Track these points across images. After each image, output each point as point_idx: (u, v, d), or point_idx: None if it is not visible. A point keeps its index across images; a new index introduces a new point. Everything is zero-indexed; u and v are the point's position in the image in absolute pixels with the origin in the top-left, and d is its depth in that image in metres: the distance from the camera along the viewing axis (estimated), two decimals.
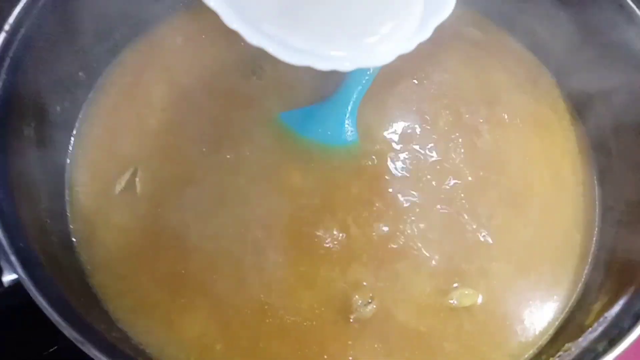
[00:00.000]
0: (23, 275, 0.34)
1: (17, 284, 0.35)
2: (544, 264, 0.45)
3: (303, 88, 0.50)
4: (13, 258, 0.35)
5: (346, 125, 0.48)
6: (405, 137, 0.49)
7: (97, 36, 0.49)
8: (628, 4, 0.46)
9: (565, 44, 0.51)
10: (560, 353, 0.39)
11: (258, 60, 0.50)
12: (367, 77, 0.47)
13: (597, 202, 0.48)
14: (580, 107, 0.52)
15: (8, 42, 0.40)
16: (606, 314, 0.39)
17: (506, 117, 0.50)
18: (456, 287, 0.43)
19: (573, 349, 0.38)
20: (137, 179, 0.46)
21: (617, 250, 0.45)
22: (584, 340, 0.38)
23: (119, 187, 0.46)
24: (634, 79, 0.46)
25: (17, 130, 0.41)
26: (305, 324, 0.42)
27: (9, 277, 0.34)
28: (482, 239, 0.45)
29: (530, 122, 0.51)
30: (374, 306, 0.42)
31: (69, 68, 0.47)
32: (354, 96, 0.47)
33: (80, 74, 0.48)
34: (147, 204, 0.45)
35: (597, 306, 0.41)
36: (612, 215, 0.47)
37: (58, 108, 0.46)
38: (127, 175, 0.46)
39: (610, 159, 0.49)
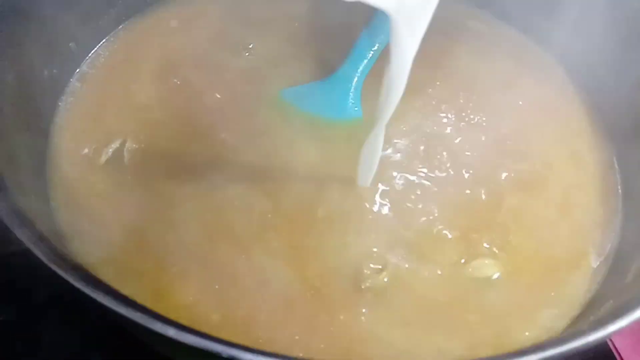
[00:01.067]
0: None
1: None
2: (568, 239, 0.42)
3: (299, 65, 0.49)
4: None
5: (350, 100, 0.46)
6: (417, 117, 0.47)
7: (93, 11, 0.48)
8: None
9: (565, 26, 0.51)
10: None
11: (249, 39, 0.50)
12: (372, 51, 0.46)
13: (618, 177, 0.46)
14: (588, 89, 0.51)
15: None
16: None
17: (519, 101, 0.49)
18: (476, 258, 0.40)
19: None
20: (125, 149, 0.43)
21: None
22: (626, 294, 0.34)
23: (105, 157, 0.42)
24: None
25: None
26: (311, 292, 0.37)
27: None
28: (502, 216, 0.42)
29: (541, 105, 0.50)
30: (386, 275, 0.38)
31: (60, 37, 0.45)
32: (359, 70, 0.46)
33: (71, 44, 0.46)
34: (136, 174, 0.42)
35: (636, 264, 0.38)
36: (637, 187, 0.44)
37: (45, 72, 0.43)
38: (114, 145, 0.43)
39: (626, 137, 0.47)
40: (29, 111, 0.41)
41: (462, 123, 0.47)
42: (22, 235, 0.28)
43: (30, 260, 0.29)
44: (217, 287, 0.37)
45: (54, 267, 0.27)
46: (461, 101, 0.48)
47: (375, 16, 0.46)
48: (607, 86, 0.49)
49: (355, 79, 0.46)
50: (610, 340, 0.45)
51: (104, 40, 0.49)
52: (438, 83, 0.49)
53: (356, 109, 0.46)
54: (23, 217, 0.30)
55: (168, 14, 0.52)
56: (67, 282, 0.27)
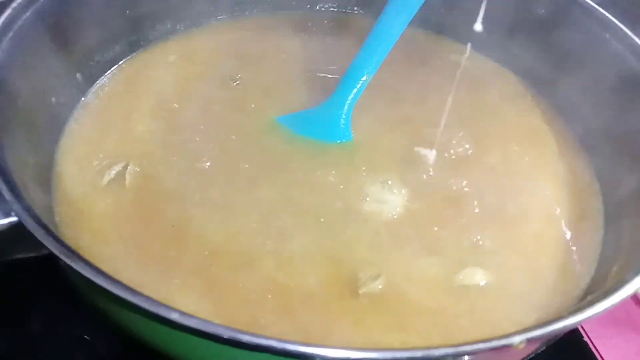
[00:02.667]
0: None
1: None
2: (553, 251, 0.44)
3: (293, 93, 0.52)
4: None
5: (342, 125, 0.49)
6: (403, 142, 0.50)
7: (99, 46, 0.51)
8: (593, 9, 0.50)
9: (539, 57, 0.55)
10: None
11: (241, 71, 0.54)
12: (362, 81, 0.49)
13: (598, 193, 0.48)
14: (566, 114, 0.54)
15: (13, 18, 0.41)
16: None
17: (500, 127, 0.52)
18: (465, 266, 0.41)
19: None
20: (127, 172, 0.45)
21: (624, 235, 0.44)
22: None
23: (107, 178, 0.44)
24: (608, 78, 0.49)
25: (10, 102, 0.40)
26: (309, 298, 0.39)
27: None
28: (490, 228, 0.44)
29: (523, 130, 0.53)
30: (381, 282, 0.39)
31: (68, 68, 0.48)
32: (350, 98, 0.49)
33: (77, 75, 0.49)
34: (136, 195, 0.44)
35: (615, 269, 0.39)
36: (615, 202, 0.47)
37: (53, 99, 0.46)
38: (117, 168, 0.45)
39: (604, 155, 0.50)
40: (37, 133, 0.43)
41: (450, 150, 0.50)
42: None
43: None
44: (217, 296, 0.38)
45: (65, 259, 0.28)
46: (446, 129, 0.51)
47: (364, 47, 0.49)
48: (583, 109, 0.52)
49: (346, 107, 0.49)
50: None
51: (108, 72, 0.52)
52: (422, 112, 0.52)
53: (347, 133, 0.49)
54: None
55: (167, 50, 0.56)
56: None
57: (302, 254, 0.41)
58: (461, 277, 0.41)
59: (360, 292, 0.39)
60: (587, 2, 0.51)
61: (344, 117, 0.49)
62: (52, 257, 0.34)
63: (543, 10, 0.54)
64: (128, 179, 0.45)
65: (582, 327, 0.47)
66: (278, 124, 0.50)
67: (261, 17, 0.61)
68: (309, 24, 0.61)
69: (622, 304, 0.31)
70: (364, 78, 0.49)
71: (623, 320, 0.48)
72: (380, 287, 0.40)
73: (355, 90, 0.49)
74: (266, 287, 0.39)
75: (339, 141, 0.49)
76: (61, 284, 0.36)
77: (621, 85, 0.48)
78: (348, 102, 0.49)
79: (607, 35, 0.50)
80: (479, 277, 0.41)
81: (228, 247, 0.41)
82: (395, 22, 0.48)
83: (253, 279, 0.39)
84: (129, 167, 0.45)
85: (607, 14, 0.50)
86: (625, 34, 0.49)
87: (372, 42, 0.49)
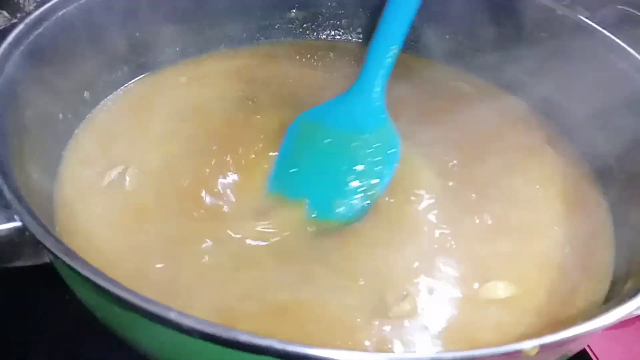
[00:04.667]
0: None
1: None
2: (564, 267, 0.43)
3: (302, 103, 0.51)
4: None
5: (375, 107, 0.45)
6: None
7: (108, 66, 0.52)
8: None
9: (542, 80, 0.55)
10: None
11: (253, 92, 0.54)
12: (390, 54, 0.45)
13: (608, 212, 0.48)
14: (570, 134, 0.54)
15: (25, 34, 0.42)
16: None
17: (504, 150, 0.51)
18: (488, 281, 0.40)
19: None
20: (126, 180, 0.44)
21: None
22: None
23: (107, 179, 0.44)
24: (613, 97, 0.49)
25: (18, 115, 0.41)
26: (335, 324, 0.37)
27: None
28: (504, 248, 0.43)
29: (527, 152, 0.52)
30: (409, 302, 0.38)
31: (76, 86, 0.49)
32: (380, 76, 0.45)
33: (85, 93, 0.50)
34: (135, 198, 0.43)
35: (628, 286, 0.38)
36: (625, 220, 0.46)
37: (61, 116, 0.46)
38: (117, 169, 0.45)
39: (612, 176, 0.49)
40: (43, 145, 0.43)
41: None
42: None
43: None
44: (226, 314, 0.37)
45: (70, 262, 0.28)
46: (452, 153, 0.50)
47: (384, 16, 0.46)
48: (588, 129, 0.52)
49: (378, 86, 0.45)
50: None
51: (116, 91, 0.52)
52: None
53: (382, 116, 0.45)
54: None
55: (178, 72, 0.56)
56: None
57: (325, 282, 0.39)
58: (484, 291, 0.40)
59: (390, 314, 0.37)
60: (591, 24, 0.52)
61: (377, 96, 0.45)
62: (52, 264, 0.34)
63: (546, 34, 0.55)
64: (128, 180, 0.44)
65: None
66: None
67: (269, 45, 0.62)
68: (317, 52, 0.62)
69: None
70: (393, 49, 0.45)
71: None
72: (408, 307, 0.38)
73: (386, 64, 0.45)
74: (281, 306, 0.37)
75: (373, 129, 0.44)
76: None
77: (628, 104, 0.48)
78: (379, 80, 0.45)
79: (612, 56, 0.50)
80: (502, 292, 0.40)
81: (237, 266, 0.39)
82: None
83: (266, 299, 0.37)
84: (128, 170, 0.45)
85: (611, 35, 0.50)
86: (630, 53, 0.49)
87: (394, 9, 0.45)
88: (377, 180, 0.43)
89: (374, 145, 0.45)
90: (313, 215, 0.43)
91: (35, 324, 0.44)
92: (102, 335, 0.35)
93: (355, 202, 0.43)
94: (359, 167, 0.44)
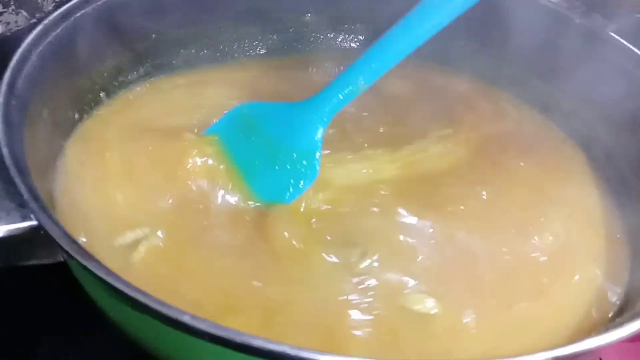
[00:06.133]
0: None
1: None
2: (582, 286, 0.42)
3: None
4: None
5: (316, 132, 0.43)
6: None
7: (125, 66, 0.52)
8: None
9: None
10: None
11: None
12: (356, 85, 0.43)
13: (621, 230, 0.46)
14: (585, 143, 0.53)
15: (43, 34, 0.43)
16: None
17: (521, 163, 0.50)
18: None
19: None
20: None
21: None
22: None
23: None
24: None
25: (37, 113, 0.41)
26: None
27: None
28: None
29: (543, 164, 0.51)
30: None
31: (93, 86, 0.49)
32: (334, 101, 0.43)
33: (102, 94, 0.50)
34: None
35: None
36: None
37: (77, 115, 0.47)
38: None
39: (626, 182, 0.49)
40: (59, 143, 0.44)
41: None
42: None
43: None
44: None
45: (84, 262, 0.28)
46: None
47: (372, 48, 0.43)
48: (604, 141, 0.51)
49: (328, 109, 0.43)
50: None
51: (131, 91, 0.53)
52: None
53: (315, 143, 0.43)
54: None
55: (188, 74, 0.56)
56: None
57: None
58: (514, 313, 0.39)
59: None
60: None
61: (324, 119, 0.43)
62: (66, 263, 0.35)
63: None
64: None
65: None
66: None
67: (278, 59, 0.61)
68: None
69: None
70: (361, 82, 0.42)
71: None
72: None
73: (345, 91, 0.42)
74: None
75: (304, 149, 0.43)
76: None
77: None
78: (332, 103, 0.43)
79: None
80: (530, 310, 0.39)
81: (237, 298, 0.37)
82: (420, 27, 0.42)
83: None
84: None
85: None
86: None
87: (385, 43, 0.42)
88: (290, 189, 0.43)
89: (296, 164, 0.44)
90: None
91: (47, 322, 0.44)
92: (113, 335, 0.35)
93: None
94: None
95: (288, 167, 0.44)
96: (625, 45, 0.50)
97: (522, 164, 0.50)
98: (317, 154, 0.43)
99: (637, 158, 0.48)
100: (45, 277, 0.38)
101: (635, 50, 0.49)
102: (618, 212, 0.48)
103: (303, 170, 0.43)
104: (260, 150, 0.44)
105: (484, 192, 0.47)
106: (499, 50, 0.57)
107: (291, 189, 0.43)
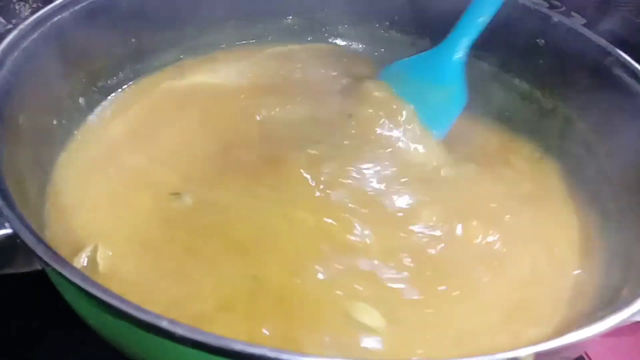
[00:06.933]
0: None
1: None
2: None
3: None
4: None
5: (453, 70, 0.51)
6: None
7: (103, 71, 0.51)
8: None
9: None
10: None
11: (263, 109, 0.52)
12: (480, 22, 0.50)
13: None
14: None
15: (21, 38, 0.42)
16: None
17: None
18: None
19: None
20: None
21: None
22: None
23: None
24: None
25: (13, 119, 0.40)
26: None
27: None
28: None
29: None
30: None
31: (71, 92, 0.48)
32: (466, 40, 0.50)
33: (80, 99, 0.49)
34: None
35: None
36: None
37: (55, 122, 0.46)
38: None
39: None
40: (36, 151, 0.43)
41: None
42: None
43: None
44: None
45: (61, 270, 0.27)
46: None
47: None
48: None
49: (462, 49, 0.50)
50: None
51: (111, 96, 0.52)
52: None
53: (458, 79, 0.50)
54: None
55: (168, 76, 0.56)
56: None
57: None
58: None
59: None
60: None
61: (459, 57, 0.50)
62: (44, 271, 0.34)
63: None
64: None
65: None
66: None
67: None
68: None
69: None
70: (482, 19, 0.49)
71: None
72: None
73: (474, 31, 0.49)
74: None
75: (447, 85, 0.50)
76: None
77: None
78: (465, 42, 0.50)
79: None
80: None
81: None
82: None
83: None
84: None
85: None
86: None
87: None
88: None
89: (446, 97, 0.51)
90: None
91: (28, 330, 0.43)
92: (95, 343, 0.35)
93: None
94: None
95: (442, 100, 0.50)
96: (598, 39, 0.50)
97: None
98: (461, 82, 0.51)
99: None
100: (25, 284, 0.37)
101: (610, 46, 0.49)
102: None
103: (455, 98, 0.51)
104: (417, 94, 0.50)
105: None
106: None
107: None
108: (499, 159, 0.51)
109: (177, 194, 0.43)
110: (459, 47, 0.50)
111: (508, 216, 0.45)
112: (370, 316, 0.36)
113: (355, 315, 0.36)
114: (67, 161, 0.46)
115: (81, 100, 0.49)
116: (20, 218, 0.30)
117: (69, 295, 0.32)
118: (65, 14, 0.46)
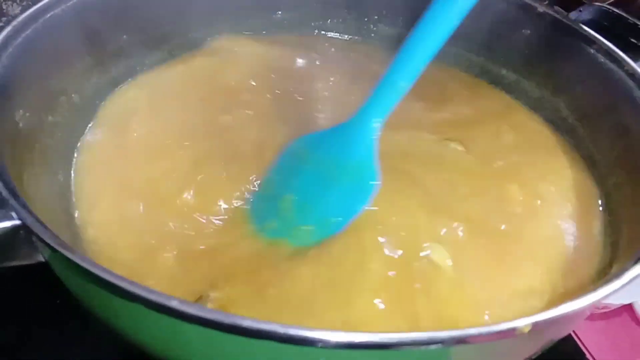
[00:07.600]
0: None
1: None
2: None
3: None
4: None
5: (365, 145, 0.42)
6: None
7: (97, 68, 0.52)
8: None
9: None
10: None
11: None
12: (398, 91, 0.41)
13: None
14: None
15: (14, 34, 0.42)
16: None
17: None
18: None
19: None
20: None
21: None
22: None
23: None
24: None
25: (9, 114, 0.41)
26: None
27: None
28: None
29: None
30: None
31: (66, 87, 0.48)
32: (381, 111, 0.42)
33: (74, 96, 0.49)
34: None
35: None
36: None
37: (50, 118, 0.46)
38: None
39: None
40: (33, 144, 0.43)
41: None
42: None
43: None
44: None
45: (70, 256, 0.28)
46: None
47: (402, 50, 0.41)
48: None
49: (376, 122, 0.41)
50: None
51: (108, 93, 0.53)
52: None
53: (369, 154, 0.41)
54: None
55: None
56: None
57: None
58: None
59: None
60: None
61: (372, 130, 0.41)
62: (47, 262, 0.34)
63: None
64: None
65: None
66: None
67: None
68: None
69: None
70: (402, 85, 0.40)
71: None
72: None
73: (390, 101, 0.41)
74: None
75: (357, 160, 0.42)
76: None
77: None
78: (380, 114, 0.41)
79: None
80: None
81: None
82: (444, 21, 0.39)
83: None
84: None
85: None
86: None
87: (415, 44, 0.40)
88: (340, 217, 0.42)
89: (353, 179, 0.42)
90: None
91: (26, 325, 0.43)
92: (93, 337, 0.35)
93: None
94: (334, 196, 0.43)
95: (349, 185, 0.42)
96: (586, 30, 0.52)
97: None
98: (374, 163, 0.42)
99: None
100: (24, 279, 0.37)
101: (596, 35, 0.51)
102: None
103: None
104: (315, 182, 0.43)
105: None
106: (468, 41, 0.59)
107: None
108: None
109: None
110: (374, 119, 0.41)
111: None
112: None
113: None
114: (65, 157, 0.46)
115: (75, 96, 0.49)
116: (26, 207, 0.30)
117: (75, 284, 0.32)
118: (58, 10, 0.46)
